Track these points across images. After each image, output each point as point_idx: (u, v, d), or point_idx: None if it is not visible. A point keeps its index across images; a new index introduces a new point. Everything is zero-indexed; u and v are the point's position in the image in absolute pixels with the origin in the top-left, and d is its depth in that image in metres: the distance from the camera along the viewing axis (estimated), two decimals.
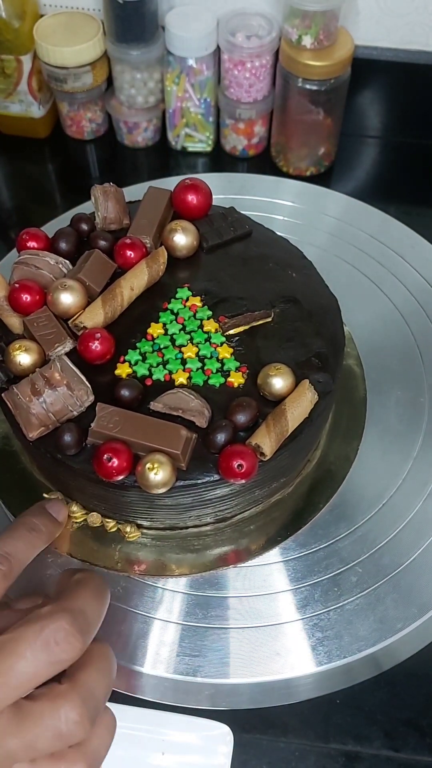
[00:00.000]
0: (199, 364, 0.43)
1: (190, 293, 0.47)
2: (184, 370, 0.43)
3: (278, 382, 0.41)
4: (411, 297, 0.60)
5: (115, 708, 0.45)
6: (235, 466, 0.39)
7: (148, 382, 0.43)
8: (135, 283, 0.45)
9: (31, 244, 0.47)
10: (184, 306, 0.46)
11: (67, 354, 0.43)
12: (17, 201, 0.77)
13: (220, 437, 0.40)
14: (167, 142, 0.79)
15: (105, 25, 0.71)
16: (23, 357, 0.42)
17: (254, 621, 0.47)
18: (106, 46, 0.72)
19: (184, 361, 0.44)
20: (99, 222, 0.49)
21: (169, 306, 0.46)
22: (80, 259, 0.47)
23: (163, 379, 0.43)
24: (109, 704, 0.45)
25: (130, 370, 0.43)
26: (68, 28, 0.71)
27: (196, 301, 0.46)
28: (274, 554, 0.48)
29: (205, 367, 0.43)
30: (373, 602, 0.47)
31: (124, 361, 0.44)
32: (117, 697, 0.46)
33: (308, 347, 0.45)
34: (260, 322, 0.45)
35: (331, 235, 0.65)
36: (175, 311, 0.46)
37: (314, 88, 0.68)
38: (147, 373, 0.43)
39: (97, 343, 0.42)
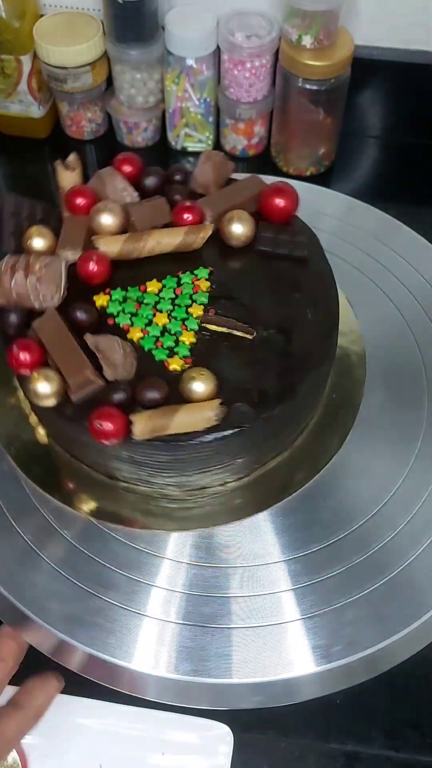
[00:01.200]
0: (157, 334, 0.44)
1: (206, 276, 0.46)
2: (142, 330, 0.44)
3: (199, 386, 0.41)
4: (411, 297, 0.60)
5: (116, 708, 0.46)
6: (96, 422, 0.39)
7: (110, 322, 0.44)
8: (164, 240, 0.46)
9: (126, 168, 0.49)
10: (192, 283, 0.46)
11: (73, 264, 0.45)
12: None
13: (110, 394, 0.41)
14: (167, 142, 0.79)
15: (105, 25, 0.71)
16: (37, 241, 0.45)
17: (254, 621, 0.46)
18: (106, 46, 0.72)
19: (149, 323, 0.44)
20: (191, 181, 0.50)
21: (181, 276, 0.46)
22: (148, 198, 0.48)
23: (121, 326, 0.44)
24: (109, 704, 0.46)
25: (105, 304, 0.45)
26: (68, 28, 0.71)
27: (204, 285, 0.46)
28: (274, 554, 0.48)
29: (160, 339, 0.44)
30: (373, 602, 0.47)
31: (108, 294, 0.45)
32: (117, 697, 0.46)
33: (260, 378, 0.43)
34: (239, 334, 0.44)
35: (331, 235, 0.64)
36: (181, 282, 0.46)
37: (314, 88, 0.68)
38: (114, 313, 0.44)
39: (93, 264, 0.44)
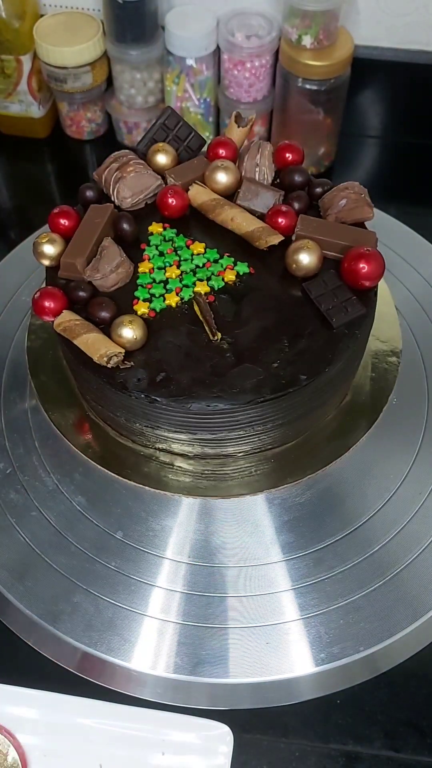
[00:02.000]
0: (156, 280, 0.46)
1: (241, 272, 0.46)
2: (150, 269, 0.47)
3: (125, 331, 0.42)
4: (411, 297, 0.60)
5: (116, 708, 0.46)
6: (36, 293, 0.44)
7: (142, 246, 0.48)
8: (238, 219, 0.47)
9: (287, 154, 0.51)
10: (223, 268, 0.46)
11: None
12: (17, 201, 0.77)
13: (76, 287, 0.45)
14: None
15: (105, 25, 0.71)
16: (160, 157, 0.50)
17: (254, 620, 0.47)
18: (106, 46, 0.72)
19: (161, 268, 0.47)
20: (323, 206, 0.48)
21: (224, 254, 0.47)
22: (270, 187, 0.49)
23: (142, 255, 0.47)
24: (109, 703, 0.46)
25: (155, 233, 0.48)
26: (68, 28, 0.71)
27: (230, 276, 0.46)
28: (274, 554, 0.48)
29: (154, 284, 0.46)
30: (372, 602, 0.47)
31: (164, 228, 0.49)
32: (117, 697, 0.46)
33: (179, 370, 0.43)
34: (207, 328, 0.44)
35: None
36: (218, 261, 0.47)
37: (314, 88, 0.68)
38: (150, 244, 0.48)
39: (170, 197, 0.48)
